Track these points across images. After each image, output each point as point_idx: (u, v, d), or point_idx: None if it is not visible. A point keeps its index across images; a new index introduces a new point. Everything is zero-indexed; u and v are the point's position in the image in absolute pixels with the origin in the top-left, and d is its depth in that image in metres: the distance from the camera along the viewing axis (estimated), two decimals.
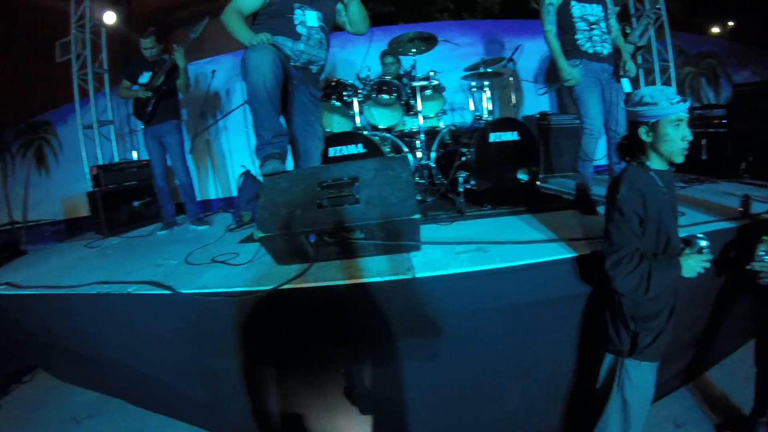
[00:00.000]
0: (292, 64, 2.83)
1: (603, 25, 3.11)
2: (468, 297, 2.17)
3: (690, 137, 1.72)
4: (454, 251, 2.38)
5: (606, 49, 3.10)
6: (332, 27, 3.09)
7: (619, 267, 1.72)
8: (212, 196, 6.40)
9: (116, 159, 6.02)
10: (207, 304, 2.25)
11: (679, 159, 1.74)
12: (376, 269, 2.21)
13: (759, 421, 2.31)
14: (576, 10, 3.05)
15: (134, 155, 6.31)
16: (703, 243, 1.75)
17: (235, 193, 6.03)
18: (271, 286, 2.13)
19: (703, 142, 4.64)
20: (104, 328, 2.64)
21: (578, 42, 3.06)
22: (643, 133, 1.76)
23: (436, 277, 2.10)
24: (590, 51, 3.06)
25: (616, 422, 1.98)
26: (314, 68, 2.97)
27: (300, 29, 2.85)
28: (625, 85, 3.26)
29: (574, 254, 2.15)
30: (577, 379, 2.36)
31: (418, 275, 2.09)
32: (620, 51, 3.17)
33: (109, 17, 5.76)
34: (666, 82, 6.09)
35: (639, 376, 1.89)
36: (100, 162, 5.73)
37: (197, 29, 3.82)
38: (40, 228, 7.29)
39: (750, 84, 4.44)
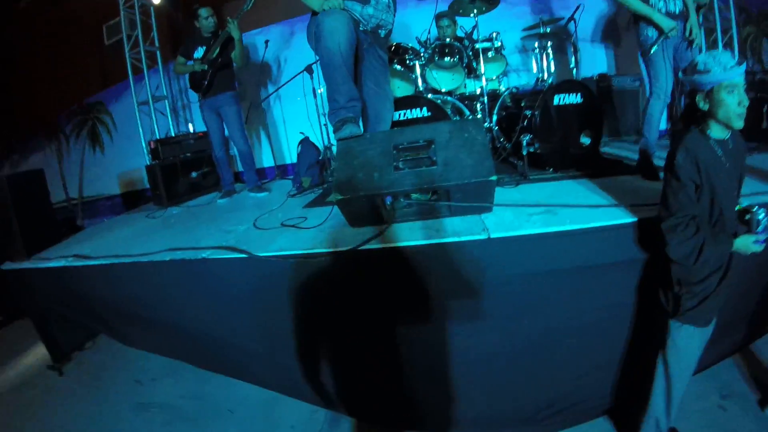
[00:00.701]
0: (361, 29, 2.82)
1: None
2: (539, 258, 2.18)
3: (746, 102, 1.71)
4: (525, 213, 2.38)
5: (678, 7, 3.00)
6: None
7: (674, 233, 1.76)
8: (267, 164, 6.49)
9: (172, 133, 6.18)
10: (285, 266, 2.33)
11: (739, 124, 1.73)
12: (451, 230, 2.23)
13: None
14: None
15: (190, 128, 6.48)
16: (761, 216, 1.75)
17: (289, 161, 6.20)
18: (348, 247, 2.19)
19: (765, 108, 4.48)
20: (178, 294, 2.75)
21: (651, 1, 2.97)
22: (700, 101, 1.76)
23: (511, 237, 2.12)
24: (663, 10, 2.97)
25: (661, 385, 2.05)
26: (383, 32, 2.95)
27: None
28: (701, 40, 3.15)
29: (635, 219, 2.15)
30: (633, 343, 2.38)
31: (493, 236, 2.11)
32: (688, 11, 3.05)
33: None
34: (728, 44, 5.76)
35: (681, 339, 1.93)
36: (157, 136, 5.91)
37: (249, 2, 3.85)
38: (96, 204, 7.63)
39: None
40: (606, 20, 5.87)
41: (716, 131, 1.78)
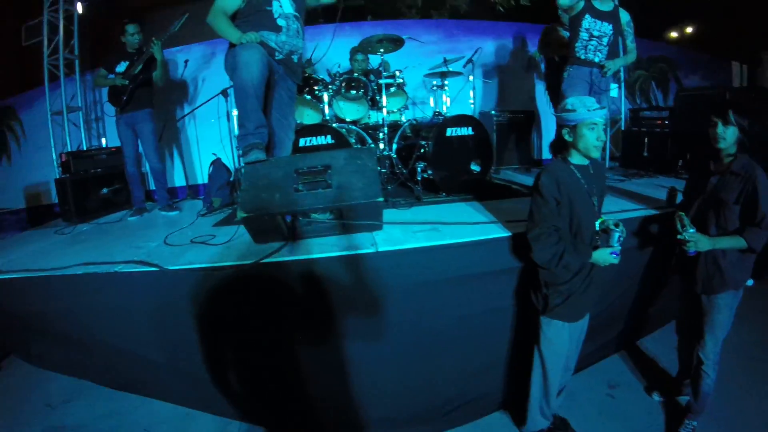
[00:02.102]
0: (276, 57, 3.02)
1: (605, 40, 3.57)
2: (425, 269, 2.51)
3: (604, 138, 2.11)
4: (411, 230, 2.74)
5: (597, 58, 3.61)
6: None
7: (538, 241, 2.12)
8: (179, 183, 6.43)
9: (84, 146, 5.98)
10: (193, 279, 2.48)
11: (596, 154, 2.13)
12: (345, 245, 2.52)
13: (683, 382, 2.76)
14: (586, 22, 3.52)
15: (103, 142, 6.30)
16: (616, 233, 2.12)
17: (201, 181, 6.16)
18: (252, 261, 2.40)
19: (646, 140, 5.09)
20: (89, 308, 2.76)
21: (576, 49, 3.59)
22: (566, 134, 2.14)
23: (396, 251, 2.45)
24: (582, 57, 3.58)
25: (538, 374, 2.42)
26: (295, 57, 3.14)
27: (280, 21, 3.02)
28: (613, 91, 3.74)
29: (510, 234, 2.56)
30: (515, 342, 2.76)
31: (380, 249, 2.43)
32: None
33: (80, 6, 5.72)
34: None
35: (551, 332, 2.30)
36: (68, 149, 5.72)
37: (177, 24, 3.94)
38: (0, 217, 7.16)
39: (691, 89, 4.92)
40: (507, 62, 6.51)
41: (576, 159, 2.15)
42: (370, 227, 2.68)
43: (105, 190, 4.79)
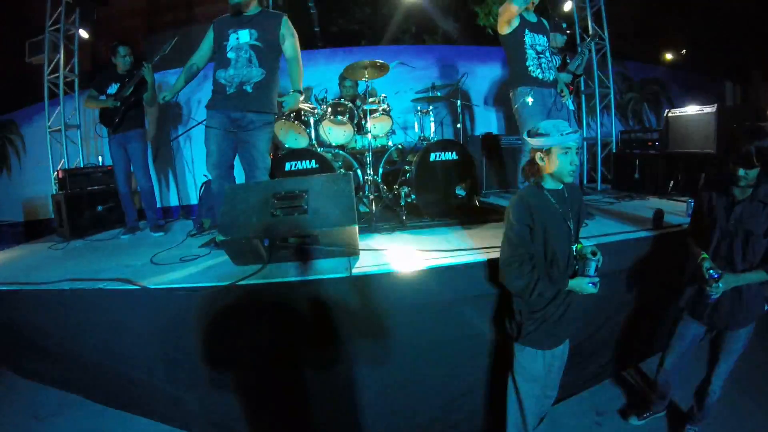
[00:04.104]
0: (228, 92, 3.18)
1: (548, 53, 3.47)
2: (400, 294, 2.54)
3: (577, 162, 2.08)
4: (387, 256, 2.79)
5: (552, 75, 3.45)
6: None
7: (510, 268, 2.07)
8: (173, 203, 6.55)
9: (81, 163, 6.11)
10: (173, 299, 2.54)
11: (569, 179, 2.07)
12: (320, 269, 2.58)
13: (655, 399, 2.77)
14: (528, 38, 3.37)
15: (100, 160, 6.43)
16: (593, 263, 2.05)
17: (194, 201, 6.25)
18: (229, 282, 2.46)
19: (637, 162, 5.18)
20: (73, 323, 2.82)
21: (529, 69, 3.36)
22: (538, 158, 2.09)
23: (369, 276, 2.49)
24: (540, 77, 3.37)
25: (513, 401, 2.36)
26: (248, 88, 3.18)
27: (230, 54, 3.17)
28: (569, 103, 3.61)
29: (485, 259, 2.58)
30: (493, 368, 2.75)
31: (354, 274, 2.48)
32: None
33: (84, 32, 5.92)
34: (606, 107, 6.61)
35: (525, 359, 2.24)
36: (66, 166, 5.85)
37: (166, 47, 4.09)
38: None
39: (679, 111, 4.96)
40: (497, 86, 6.63)
41: (550, 183, 2.10)
42: (347, 252, 2.73)
43: (100, 208, 4.92)
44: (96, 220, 4.84)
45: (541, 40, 3.44)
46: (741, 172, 2.11)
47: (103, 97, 4.42)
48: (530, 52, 3.37)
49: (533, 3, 3.33)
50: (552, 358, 2.25)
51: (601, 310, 2.92)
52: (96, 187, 4.97)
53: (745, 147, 2.05)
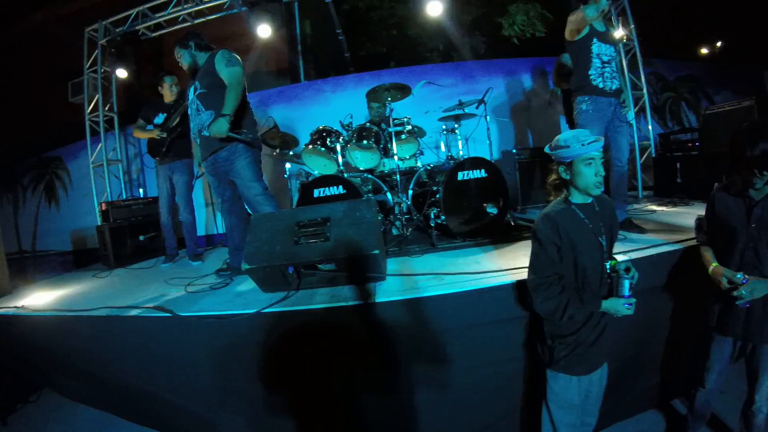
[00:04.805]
0: (197, 142, 3.44)
1: (614, 64, 3.45)
2: (428, 319, 2.48)
3: (603, 172, 1.94)
4: (413, 280, 2.74)
5: (615, 85, 3.43)
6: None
7: (537, 291, 1.98)
8: (215, 231, 6.69)
9: (124, 195, 6.41)
10: (203, 325, 2.60)
11: (596, 192, 1.94)
12: (345, 296, 2.57)
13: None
14: (595, 47, 3.40)
15: (141, 192, 6.73)
16: (626, 282, 1.91)
17: None
18: (254, 310, 2.50)
19: (678, 165, 4.91)
20: (109, 348, 2.95)
21: (591, 77, 3.41)
22: (562, 172, 2.00)
23: (393, 302, 2.45)
24: (601, 86, 3.40)
25: (548, 429, 2.23)
26: (205, 132, 3.24)
27: (191, 108, 3.39)
28: (630, 115, 3.57)
29: (513, 281, 2.47)
30: (528, 393, 2.64)
31: (378, 300, 2.45)
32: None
33: (121, 72, 6.22)
34: (641, 110, 6.33)
35: (558, 386, 2.12)
36: (109, 198, 6.15)
37: None
38: (47, 258, 7.67)
39: (716, 107, 4.73)
40: (527, 98, 6.53)
41: (578, 198, 2.00)
42: (372, 278, 2.72)
43: (141, 238, 5.16)
44: (138, 249, 5.09)
45: (608, 50, 3.45)
46: (757, 174, 1.98)
47: (150, 127, 4.58)
48: (595, 62, 3.41)
49: (603, 12, 3.33)
50: (589, 384, 2.12)
51: (639, 332, 2.74)
52: (138, 218, 5.20)
53: (758, 148, 1.93)
